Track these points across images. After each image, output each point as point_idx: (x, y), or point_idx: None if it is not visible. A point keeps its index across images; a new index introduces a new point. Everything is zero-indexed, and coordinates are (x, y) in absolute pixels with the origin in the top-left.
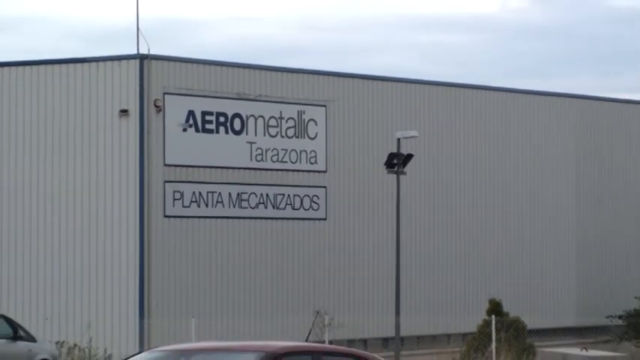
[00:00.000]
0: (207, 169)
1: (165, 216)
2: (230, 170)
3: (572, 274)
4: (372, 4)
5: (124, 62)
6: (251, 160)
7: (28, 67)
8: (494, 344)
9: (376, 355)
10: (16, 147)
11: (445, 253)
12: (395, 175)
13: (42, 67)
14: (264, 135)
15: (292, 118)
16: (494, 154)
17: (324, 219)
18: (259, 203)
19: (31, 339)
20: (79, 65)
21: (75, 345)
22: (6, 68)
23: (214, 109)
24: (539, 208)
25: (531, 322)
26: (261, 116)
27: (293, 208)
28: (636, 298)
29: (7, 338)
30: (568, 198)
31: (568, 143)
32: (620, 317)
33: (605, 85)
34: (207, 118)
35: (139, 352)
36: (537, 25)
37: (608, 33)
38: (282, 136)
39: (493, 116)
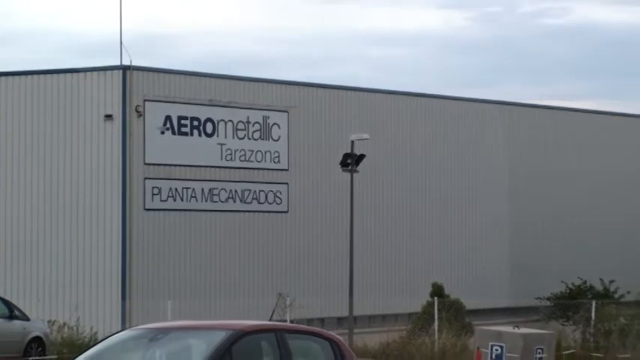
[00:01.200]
0: (183, 168)
1: (145, 209)
2: (203, 168)
3: (506, 261)
4: (331, 21)
5: (108, 73)
6: (221, 159)
7: (24, 77)
8: (436, 323)
9: (332, 333)
10: (12, 146)
11: (393, 242)
12: (349, 173)
13: (36, 76)
14: (233, 137)
15: (258, 123)
16: (435, 154)
17: (286, 212)
18: (228, 198)
19: (25, 318)
20: (69, 75)
21: (64, 324)
22: (7, 78)
23: (189, 114)
24: (475, 203)
25: (469, 303)
26: (231, 121)
27: (258, 202)
28: (562, 282)
29: (3, 317)
30: (501, 192)
31: (500, 142)
32: (548, 299)
33: (533, 93)
34: (183, 122)
35: (121, 330)
36: (469, 38)
37: (537, 47)
38: (249, 139)
39: (434, 119)
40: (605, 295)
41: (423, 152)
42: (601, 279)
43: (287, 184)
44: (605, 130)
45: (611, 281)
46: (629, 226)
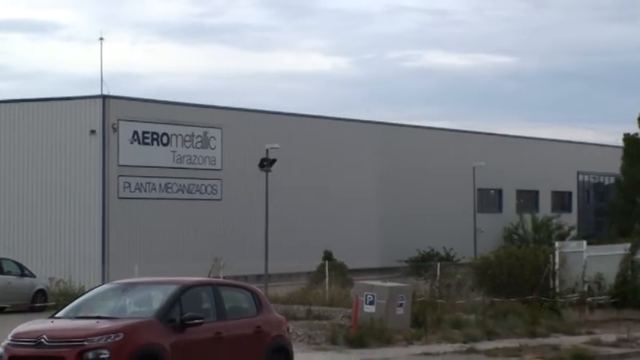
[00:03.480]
0: (146, 168)
1: (119, 198)
2: (160, 169)
3: (377, 236)
4: (251, 64)
5: (92, 100)
6: (173, 162)
7: (31, 103)
8: (327, 279)
9: (252, 286)
10: (20, 151)
11: (298, 220)
12: (265, 172)
13: (40, 102)
14: (182, 146)
15: (199, 136)
16: (326, 158)
17: (220, 200)
18: (178, 190)
19: (32, 276)
20: (64, 102)
21: (60, 280)
22: (20, 103)
23: (150, 130)
24: (354, 196)
25: (350, 264)
26: (180, 134)
27: (200, 193)
28: (416, 249)
29: (16, 275)
30: (372, 189)
31: (372, 151)
32: (406, 261)
33: (396, 115)
34: (146, 135)
35: (102, 284)
36: (350, 77)
37: (399, 83)
38: (194, 147)
39: (325, 134)
40: (446, 259)
41: (318, 157)
42: (444, 247)
43: (220, 180)
44: (445, 140)
45: (451, 249)
46: (462, 213)
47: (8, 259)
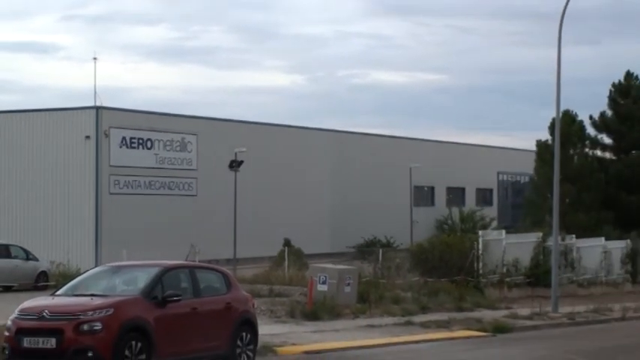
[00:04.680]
0: (133, 168)
1: (110, 193)
2: (145, 169)
3: (329, 226)
4: (222, 79)
5: (87, 110)
6: (156, 163)
7: (37, 113)
8: (286, 262)
9: (223, 268)
10: (24, 157)
11: (262, 212)
12: (233, 172)
13: (44, 112)
14: (163, 150)
15: (178, 141)
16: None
17: (195, 195)
18: (160, 186)
19: (36, 259)
20: (63, 112)
21: (60, 263)
22: (27, 113)
23: (136, 136)
24: (307, 192)
25: (306, 250)
26: (162, 140)
27: (178, 189)
28: (362, 237)
29: (22, 259)
30: (325, 186)
31: (325, 152)
32: (353, 247)
33: (345, 123)
34: (133, 140)
35: (95, 267)
36: (306, 91)
37: (348, 97)
38: (173, 150)
39: (284, 139)
40: (387, 245)
41: (279, 159)
42: (385, 235)
43: (196, 178)
44: (386, 145)
45: (391, 237)
46: (401, 207)
47: (15, 245)
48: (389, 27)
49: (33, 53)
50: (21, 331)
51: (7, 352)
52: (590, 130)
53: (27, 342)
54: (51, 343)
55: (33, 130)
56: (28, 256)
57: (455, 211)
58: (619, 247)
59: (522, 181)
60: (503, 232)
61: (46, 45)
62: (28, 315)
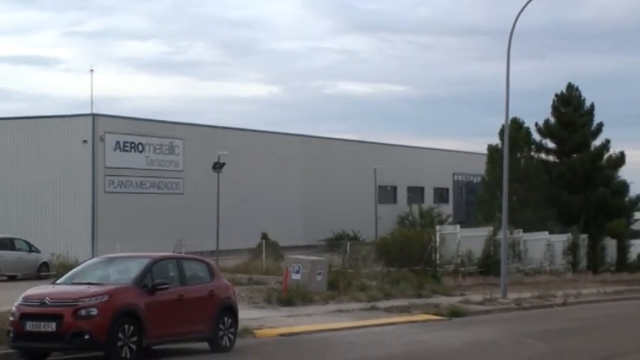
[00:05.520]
0: (126, 169)
1: (105, 192)
2: (137, 170)
3: (301, 221)
4: (206, 90)
5: (85, 117)
6: (147, 165)
7: (41, 119)
8: (264, 254)
9: (207, 259)
10: (28, 159)
11: (243, 209)
12: (217, 173)
13: (46, 119)
14: (153, 153)
15: (167, 145)
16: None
17: (182, 194)
18: (150, 186)
19: (38, 251)
20: (63, 118)
21: (59, 254)
22: (30, 120)
23: (129, 140)
24: (283, 190)
25: (282, 242)
26: (152, 144)
27: (167, 188)
28: (332, 231)
29: (26, 251)
30: (297, 184)
31: (297, 154)
32: (324, 241)
33: (316, 129)
34: (126, 144)
35: (92, 258)
36: (282, 100)
37: (319, 105)
38: (162, 154)
39: (262, 144)
40: (354, 239)
41: (257, 161)
42: (352, 230)
43: (182, 178)
44: (353, 149)
45: (358, 231)
46: (366, 204)
47: (20, 239)
48: (356, 43)
49: (36, 66)
50: (24, 316)
51: (11, 335)
52: (536, 136)
53: (30, 326)
54: (51, 327)
55: (36, 135)
56: (31, 248)
57: (415, 208)
58: (561, 240)
59: (475, 181)
60: (458, 226)
61: (47, 58)
62: (31, 301)
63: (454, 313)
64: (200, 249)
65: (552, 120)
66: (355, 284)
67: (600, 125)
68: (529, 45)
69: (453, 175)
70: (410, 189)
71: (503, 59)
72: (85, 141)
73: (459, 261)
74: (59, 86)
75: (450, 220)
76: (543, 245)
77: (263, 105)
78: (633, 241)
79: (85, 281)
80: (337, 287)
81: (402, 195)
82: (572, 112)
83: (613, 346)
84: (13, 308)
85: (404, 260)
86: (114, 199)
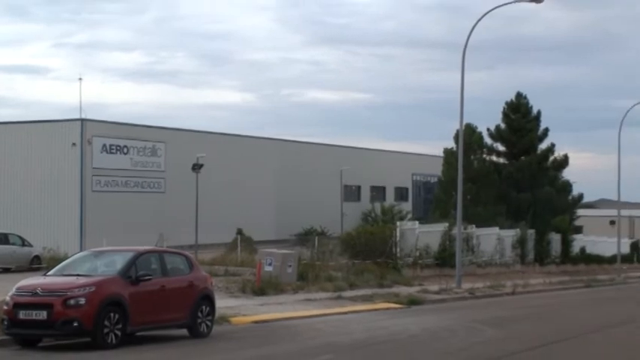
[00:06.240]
0: (112, 170)
1: (93, 191)
2: (122, 170)
3: (273, 217)
4: (185, 96)
5: (73, 122)
6: (131, 166)
7: (34, 124)
8: (239, 248)
9: (186, 252)
10: (21, 161)
11: (218, 204)
12: (195, 173)
13: (39, 124)
14: (137, 155)
15: (149, 147)
16: (230, 165)
17: (164, 192)
18: (134, 185)
19: (30, 245)
20: (53, 123)
21: (50, 248)
22: (23, 124)
23: (115, 143)
24: (257, 188)
25: (256, 237)
26: (136, 147)
27: (150, 188)
28: (302, 227)
29: (19, 245)
30: (269, 183)
31: (270, 156)
32: (295, 235)
33: (288, 133)
34: (112, 147)
35: (80, 251)
36: (256, 107)
37: (290, 112)
38: (145, 156)
39: (237, 147)
40: (322, 234)
41: (233, 162)
42: (320, 225)
43: (164, 178)
44: (321, 151)
45: (325, 227)
46: (333, 202)
47: (13, 234)
48: (324, 55)
49: (28, 74)
50: (18, 306)
51: (5, 323)
52: (488, 140)
53: (23, 314)
54: (43, 315)
55: (28, 139)
56: (23, 242)
57: (377, 205)
58: (510, 235)
59: (432, 181)
60: (417, 223)
61: (39, 67)
62: (24, 292)
63: (413, 301)
64: (180, 243)
65: (503, 125)
66: (322, 275)
67: (546, 130)
68: (482, 57)
69: (412, 175)
70: (373, 188)
71: (458, 70)
72: (74, 144)
73: (417, 254)
74: (50, 93)
75: (410, 216)
76: (494, 239)
77: (238, 111)
78: (576, 236)
79: (74, 273)
80: (306, 278)
81: (365, 194)
82: (520, 119)
83: (558, 332)
84: (7, 298)
85: (367, 253)
86: (101, 197)
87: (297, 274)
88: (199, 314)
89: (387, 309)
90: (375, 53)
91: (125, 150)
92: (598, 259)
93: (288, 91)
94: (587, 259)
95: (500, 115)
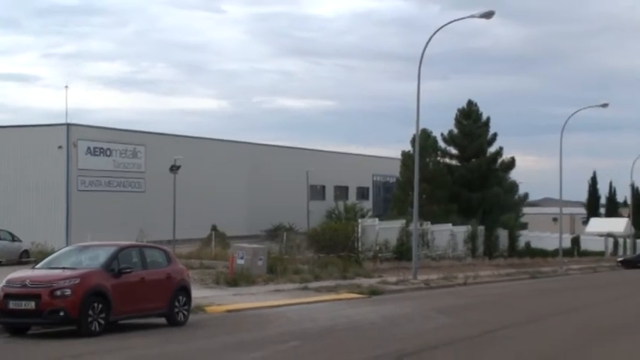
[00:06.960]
0: (96, 171)
1: (78, 190)
2: (105, 171)
3: (246, 214)
4: (164, 103)
5: (60, 126)
6: (114, 167)
7: (19, 128)
8: (213, 242)
9: (165, 247)
10: (10, 163)
11: (194, 204)
12: (173, 174)
13: (26, 128)
14: (119, 157)
15: (131, 150)
16: (210, 166)
17: (144, 192)
18: (116, 185)
19: (19, 240)
20: (41, 127)
21: (39, 243)
22: (15, 128)
23: (99, 146)
24: (230, 188)
25: (229, 232)
26: (118, 149)
27: (131, 187)
28: (271, 224)
29: (9, 240)
30: (243, 183)
31: (243, 157)
32: (265, 231)
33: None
34: (96, 150)
35: (66, 246)
36: (229, 113)
37: (261, 119)
38: (127, 158)
39: (213, 150)
40: (290, 229)
41: (207, 164)
42: (288, 222)
43: (144, 179)
44: (289, 154)
45: (293, 223)
46: (300, 200)
47: (3, 230)
48: (291, 65)
49: (18, 82)
50: (8, 296)
51: None
52: (442, 144)
53: (12, 304)
54: (31, 305)
55: (18, 142)
56: (13, 238)
57: (340, 204)
58: (462, 231)
59: (391, 182)
60: (377, 220)
61: (28, 76)
62: (14, 284)
63: (373, 292)
64: (159, 238)
65: (455, 130)
66: (290, 268)
67: (495, 135)
68: (437, 68)
69: (373, 176)
70: (336, 188)
71: (414, 79)
72: (60, 147)
73: (377, 248)
74: (39, 100)
75: (370, 214)
76: (447, 235)
77: (213, 117)
78: (522, 232)
79: (61, 266)
80: (275, 271)
81: (329, 193)
82: (471, 124)
83: (506, 319)
84: None
85: (331, 248)
86: (85, 196)
87: (267, 266)
88: (177, 304)
89: (350, 299)
90: (339, 64)
91: (108, 152)
92: (542, 253)
93: (259, 98)
94: (532, 253)
95: (453, 121)
